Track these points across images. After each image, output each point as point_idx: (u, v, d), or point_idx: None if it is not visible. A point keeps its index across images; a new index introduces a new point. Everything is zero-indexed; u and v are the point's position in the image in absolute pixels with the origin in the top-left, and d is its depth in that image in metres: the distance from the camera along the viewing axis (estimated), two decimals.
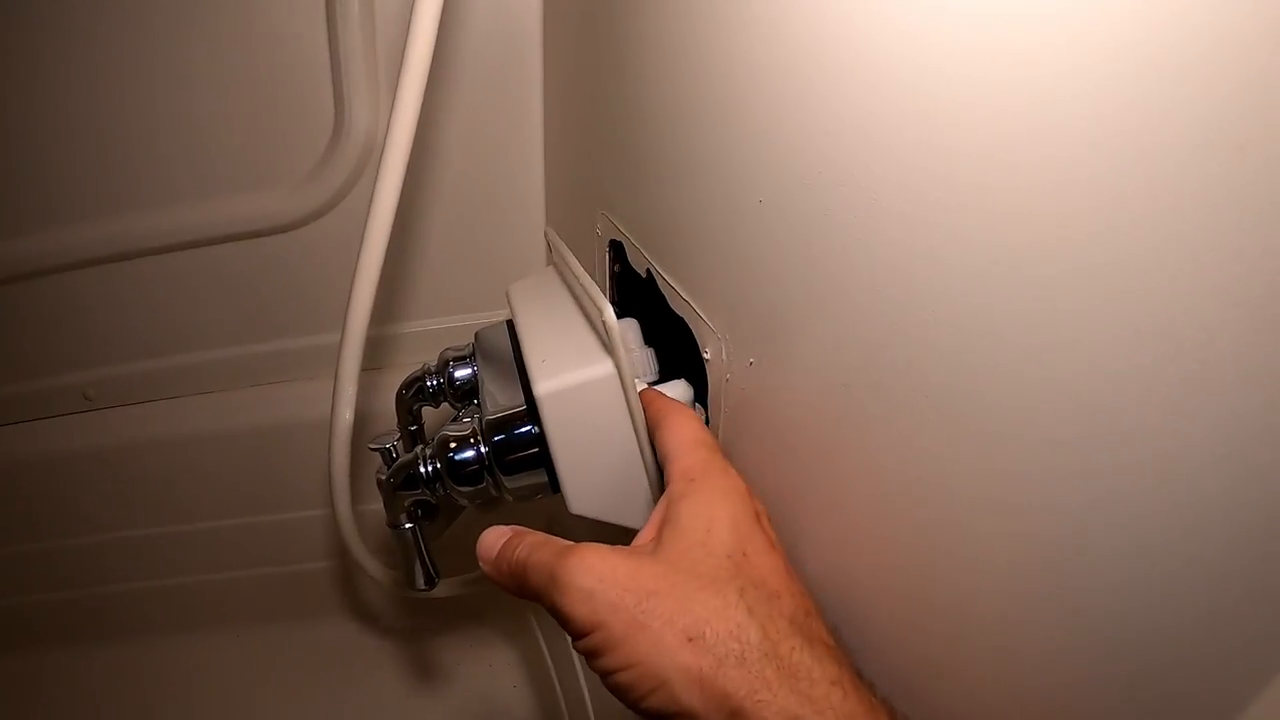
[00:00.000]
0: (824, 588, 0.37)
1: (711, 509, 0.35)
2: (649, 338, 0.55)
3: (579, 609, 0.32)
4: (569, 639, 0.33)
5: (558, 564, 0.33)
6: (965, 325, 0.25)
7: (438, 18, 0.50)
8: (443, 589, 0.71)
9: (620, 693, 0.31)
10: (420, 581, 0.56)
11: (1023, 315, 0.23)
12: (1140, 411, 0.20)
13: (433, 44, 0.50)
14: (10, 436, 0.88)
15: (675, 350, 0.51)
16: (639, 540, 0.36)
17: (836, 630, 0.34)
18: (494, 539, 0.39)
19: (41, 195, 0.76)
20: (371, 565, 0.70)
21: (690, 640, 0.30)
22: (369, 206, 0.55)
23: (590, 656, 0.32)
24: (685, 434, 0.39)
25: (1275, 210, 0.17)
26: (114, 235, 0.79)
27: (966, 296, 0.25)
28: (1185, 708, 0.22)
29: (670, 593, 0.31)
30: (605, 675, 0.31)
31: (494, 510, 0.54)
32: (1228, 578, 0.20)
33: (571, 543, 0.35)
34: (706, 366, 0.44)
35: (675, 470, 0.38)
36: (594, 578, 0.32)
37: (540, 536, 0.37)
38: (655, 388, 0.48)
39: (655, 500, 0.46)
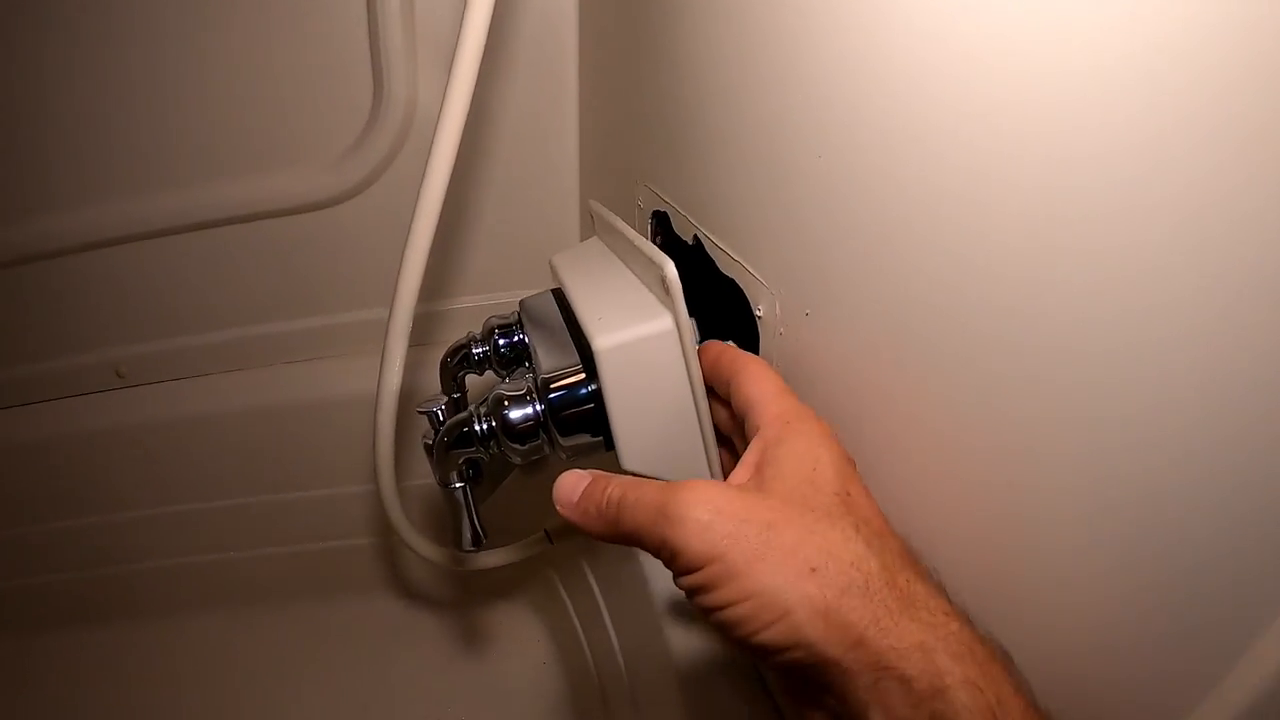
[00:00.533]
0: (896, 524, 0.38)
1: (814, 450, 0.35)
2: (689, 308, 0.56)
3: (695, 541, 0.31)
4: (673, 575, 0.33)
5: (668, 498, 0.33)
6: (1017, 271, 0.26)
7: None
8: (486, 559, 0.72)
9: (734, 627, 0.30)
10: (469, 541, 0.57)
11: (1072, 260, 0.24)
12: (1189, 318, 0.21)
13: (488, 21, 0.51)
14: (44, 414, 0.90)
15: (716, 321, 0.52)
16: (734, 481, 0.36)
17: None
18: (574, 481, 0.38)
19: (77, 172, 0.78)
20: (411, 535, 0.71)
21: (813, 570, 0.30)
22: (420, 180, 0.56)
23: (702, 591, 0.31)
24: (768, 384, 0.39)
25: None
26: (150, 212, 0.80)
27: (1021, 245, 0.26)
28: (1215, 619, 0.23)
29: (789, 525, 0.31)
30: (719, 609, 0.31)
31: (540, 472, 0.55)
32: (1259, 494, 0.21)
33: (671, 481, 0.35)
34: (759, 323, 0.46)
35: (766, 416, 0.37)
36: (710, 509, 0.32)
37: (630, 477, 0.37)
38: None
39: (709, 458, 0.47)
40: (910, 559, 0.32)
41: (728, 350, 0.43)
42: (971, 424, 0.31)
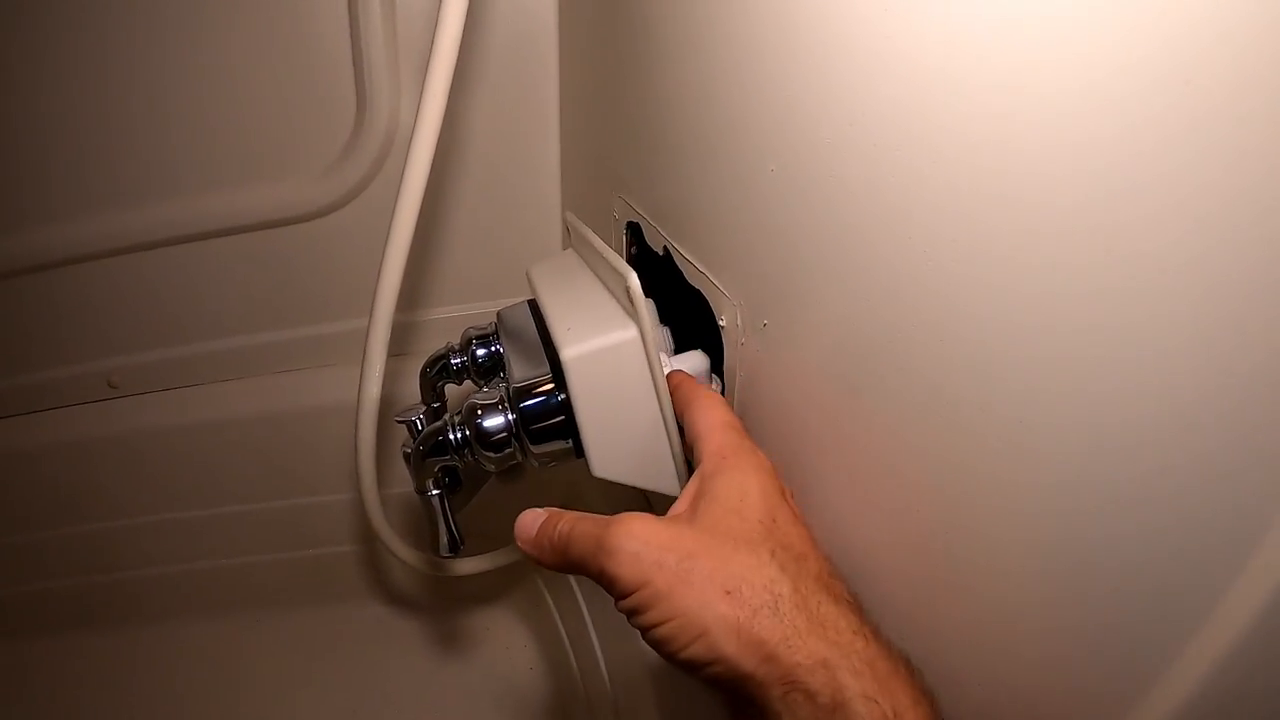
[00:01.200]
0: (832, 540, 0.39)
1: (744, 482, 0.38)
2: (663, 318, 0.58)
3: (625, 569, 0.35)
4: (612, 600, 0.36)
5: (603, 532, 0.36)
6: (967, 287, 0.27)
7: (464, 11, 0.52)
8: (466, 565, 0.73)
9: (662, 645, 0.34)
10: (445, 546, 0.58)
11: (1021, 278, 0.25)
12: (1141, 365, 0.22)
13: (459, 36, 0.53)
14: (37, 423, 0.91)
15: (689, 329, 0.53)
16: (674, 511, 0.39)
17: (854, 590, 0.36)
18: (531, 519, 0.41)
19: (69, 185, 0.79)
20: (394, 541, 0.72)
21: (728, 593, 0.33)
22: (397, 192, 0.57)
23: (634, 614, 0.35)
24: (715, 416, 0.42)
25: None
26: (138, 224, 0.81)
27: (969, 259, 0.27)
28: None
29: (709, 553, 0.34)
30: (648, 629, 0.34)
31: (516, 480, 0.56)
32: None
33: (612, 515, 0.38)
34: (722, 333, 0.47)
35: (707, 449, 0.40)
36: (639, 541, 0.35)
37: (579, 513, 0.40)
38: (676, 358, 0.50)
39: (677, 464, 0.48)
40: (827, 580, 0.35)
41: (684, 383, 0.46)
42: (910, 445, 0.32)
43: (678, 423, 0.46)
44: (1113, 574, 0.24)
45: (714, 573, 0.34)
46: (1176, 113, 0.19)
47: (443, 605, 1.01)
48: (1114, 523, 0.23)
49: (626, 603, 0.35)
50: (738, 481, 0.38)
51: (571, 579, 0.89)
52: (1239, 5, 0.18)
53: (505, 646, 0.97)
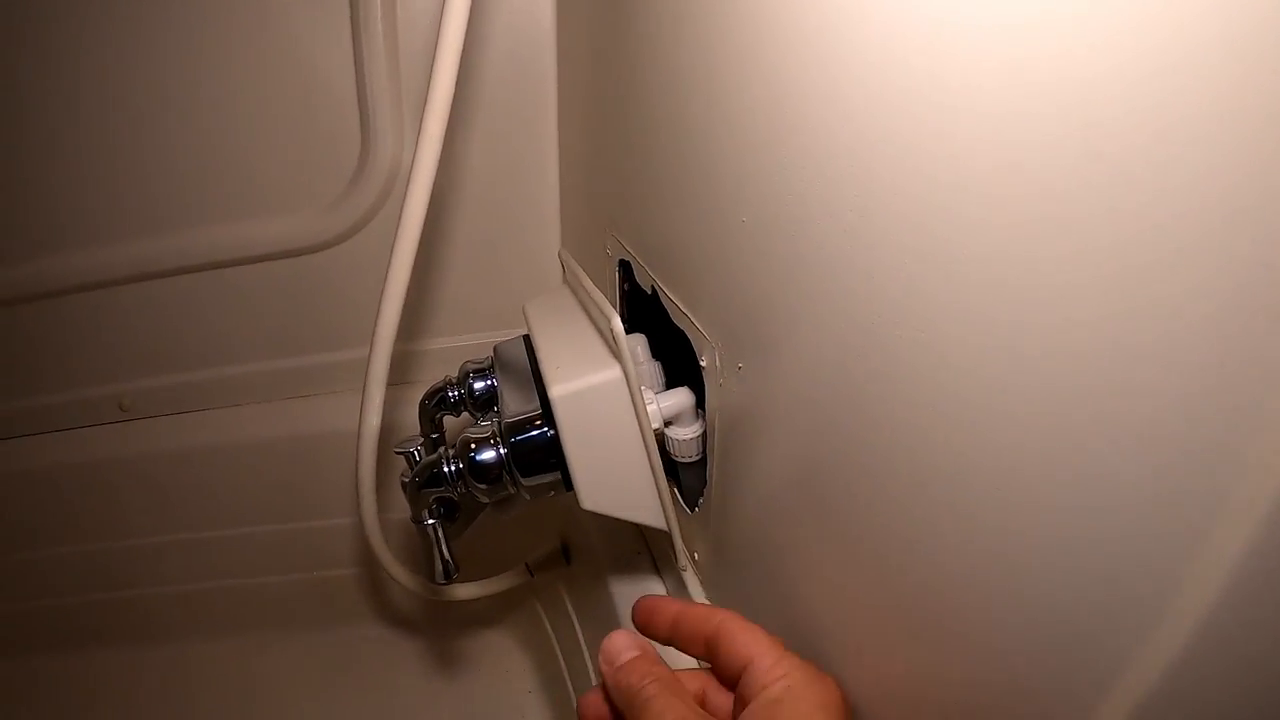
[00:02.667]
0: (799, 574, 0.41)
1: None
2: (656, 352, 0.60)
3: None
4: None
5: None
6: (936, 335, 0.28)
7: (459, 51, 0.54)
8: (463, 591, 0.75)
9: None
10: (440, 574, 0.59)
11: (990, 323, 0.26)
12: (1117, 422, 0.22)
13: (455, 76, 0.55)
14: (51, 444, 0.94)
15: (681, 364, 0.55)
16: None
17: None
18: (625, 644, 0.39)
19: (82, 215, 0.82)
20: (393, 566, 0.74)
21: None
22: (396, 228, 0.59)
23: None
24: (763, 637, 0.38)
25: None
26: (150, 254, 0.84)
27: (936, 306, 0.28)
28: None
29: None
30: None
31: (510, 510, 0.58)
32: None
33: (696, 705, 0.36)
34: (703, 373, 0.48)
35: (769, 675, 0.36)
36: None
37: (671, 677, 0.37)
38: (662, 395, 0.52)
39: (662, 497, 0.50)
40: None
41: (688, 610, 0.41)
42: (882, 493, 0.33)
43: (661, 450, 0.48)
44: (1061, 573, 0.25)
45: None
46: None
47: (443, 628, 1.03)
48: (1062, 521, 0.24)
49: None
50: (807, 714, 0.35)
51: (570, 608, 0.91)
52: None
53: (504, 669, 0.98)
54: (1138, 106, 0.20)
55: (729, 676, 0.38)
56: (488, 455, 0.51)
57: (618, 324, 0.45)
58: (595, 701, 0.40)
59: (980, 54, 0.24)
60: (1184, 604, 0.21)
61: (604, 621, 0.75)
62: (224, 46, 0.76)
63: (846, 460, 0.35)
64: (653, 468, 0.49)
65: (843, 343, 0.34)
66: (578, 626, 0.88)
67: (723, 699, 0.39)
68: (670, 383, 0.58)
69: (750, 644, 0.37)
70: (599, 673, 0.75)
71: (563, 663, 0.92)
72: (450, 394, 0.64)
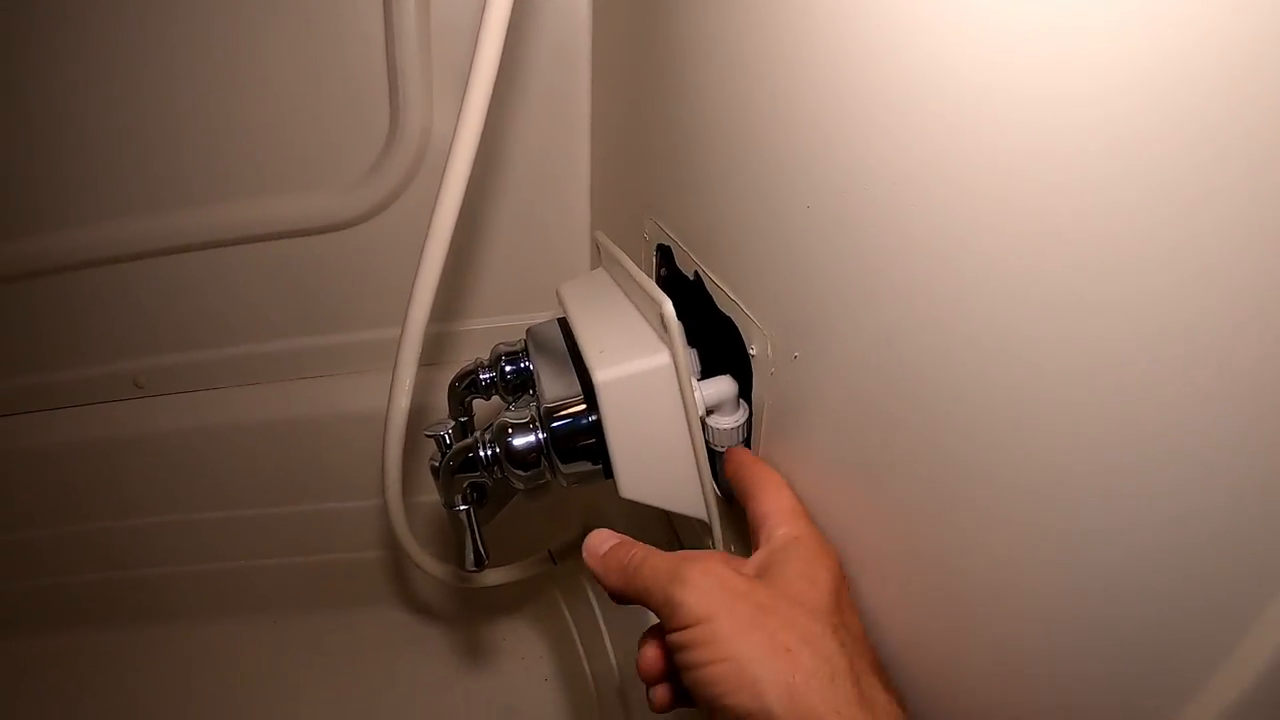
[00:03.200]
0: (862, 569, 0.40)
1: (815, 561, 0.39)
2: (691, 340, 0.58)
3: (694, 598, 0.35)
4: (667, 633, 0.37)
5: (679, 564, 0.37)
6: (1002, 325, 0.28)
7: (504, 29, 0.53)
8: (489, 577, 0.74)
9: (706, 686, 0.34)
10: (471, 561, 0.58)
11: (1055, 314, 0.25)
12: (1161, 411, 0.23)
13: (499, 54, 0.53)
14: (63, 420, 0.93)
15: (716, 351, 0.53)
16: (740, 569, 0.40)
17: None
18: (601, 540, 0.43)
19: (102, 188, 0.81)
20: (417, 552, 0.73)
21: (788, 651, 0.33)
22: (433, 205, 0.58)
23: (687, 647, 0.35)
24: (785, 502, 0.43)
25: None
26: (171, 229, 0.83)
27: (1003, 296, 0.27)
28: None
29: (777, 610, 0.35)
30: (696, 667, 0.34)
31: (541, 497, 0.57)
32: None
33: (687, 552, 0.39)
34: (752, 362, 0.47)
35: (779, 532, 0.41)
36: (715, 580, 0.36)
37: (652, 547, 0.41)
38: (705, 382, 0.51)
39: (705, 488, 0.49)
40: (877, 668, 0.35)
41: (752, 464, 0.46)
42: (943, 484, 0.32)
43: (737, 495, 0.47)
44: (1122, 628, 0.24)
45: (779, 629, 0.34)
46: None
47: (462, 614, 1.02)
48: (1127, 575, 0.24)
49: (684, 635, 0.35)
50: (809, 560, 0.39)
51: (588, 589, 0.90)
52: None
53: (522, 657, 0.97)
54: None
55: (752, 527, 0.43)
56: (526, 440, 0.50)
57: (669, 308, 0.43)
58: (651, 655, 0.42)
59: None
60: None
61: (628, 611, 0.74)
62: (246, 14, 0.74)
63: (906, 452, 0.34)
64: (697, 457, 0.48)
65: (904, 331, 0.32)
66: (599, 615, 0.87)
67: None
68: (704, 370, 0.56)
69: (769, 501, 0.43)
70: (618, 662, 0.75)
71: (582, 651, 0.91)
72: (482, 377, 0.63)
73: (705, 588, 0.35)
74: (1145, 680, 0.25)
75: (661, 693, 0.42)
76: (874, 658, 0.36)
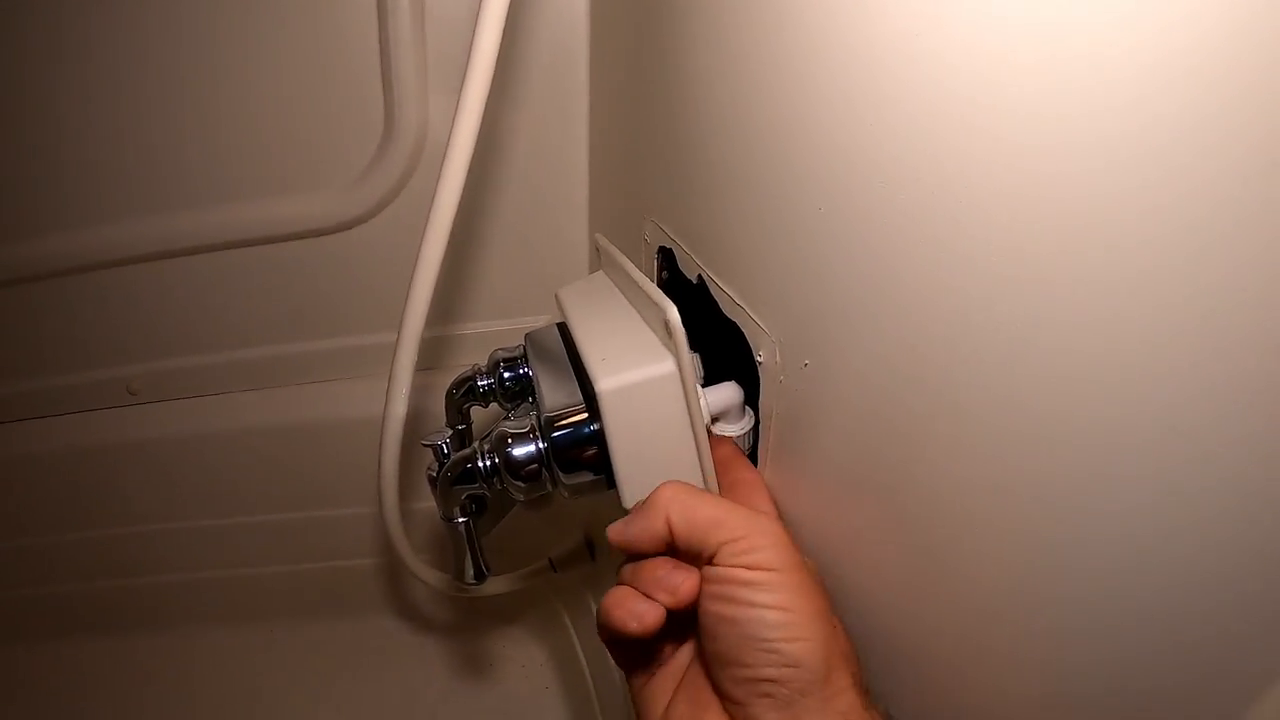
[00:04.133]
0: (849, 574, 0.38)
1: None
2: (693, 344, 0.57)
3: (774, 546, 0.37)
4: (727, 565, 0.37)
5: (756, 514, 0.39)
6: (1019, 333, 0.26)
7: (502, 24, 0.51)
8: (488, 587, 0.72)
9: (759, 625, 0.35)
10: (470, 575, 0.57)
11: (1074, 321, 0.24)
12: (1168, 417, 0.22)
13: (496, 50, 0.52)
14: (57, 427, 0.91)
15: (719, 357, 0.52)
16: None
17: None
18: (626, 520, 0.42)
19: (92, 192, 0.79)
20: (415, 562, 0.71)
21: (835, 628, 0.36)
22: (430, 206, 0.56)
23: (756, 585, 0.36)
24: (763, 506, 0.44)
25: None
26: (163, 232, 0.81)
27: (1021, 303, 0.26)
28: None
29: (822, 592, 0.37)
30: (759, 606, 0.35)
31: (544, 507, 0.55)
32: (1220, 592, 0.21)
33: None
34: (760, 369, 0.46)
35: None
36: (785, 540, 0.38)
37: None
38: (709, 389, 0.49)
39: None
40: (852, 659, 0.37)
41: (733, 459, 0.47)
42: (958, 492, 0.31)
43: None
44: (1139, 676, 0.23)
45: (826, 607, 0.36)
46: None
47: (461, 622, 1.00)
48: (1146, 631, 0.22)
49: (757, 574, 0.36)
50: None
51: (592, 604, 0.89)
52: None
53: (522, 665, 0.96)
54: None
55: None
56: (526, 450, 0.48)
57: (674, 314, 0.42)
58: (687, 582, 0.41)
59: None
60: None
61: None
62: (241, 15, 0.73)
63: (926, 466, 0.33)
64: (702, 467, 0.46)
65: (925, 337, 0.31)
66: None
67: None
68: (707, 373, 0.55)
69: (750, 501, 0.44)
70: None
71: (584, 660, 0.90)
72: (479, 383, 0.61)
73: (781, 541, 0.37)
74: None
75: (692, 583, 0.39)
76: (849, 648, 0.37)
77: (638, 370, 0.44)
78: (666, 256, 0.60)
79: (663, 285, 0.62)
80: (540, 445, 0.48)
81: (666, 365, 0.44)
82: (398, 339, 0.60)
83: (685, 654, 0.42)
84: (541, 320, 0.61)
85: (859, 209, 0.34)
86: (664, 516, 0.39)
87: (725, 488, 0.46)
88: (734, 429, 0.50)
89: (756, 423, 0.49)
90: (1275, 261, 0.19)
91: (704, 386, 0.51)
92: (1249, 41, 0.18)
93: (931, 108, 0.29)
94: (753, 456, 0.50)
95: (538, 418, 0.49)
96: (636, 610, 0.39)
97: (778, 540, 0.37)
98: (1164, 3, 0.20)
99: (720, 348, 0.52)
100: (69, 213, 0.80)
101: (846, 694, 0.34)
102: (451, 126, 0.54)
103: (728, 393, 0.50)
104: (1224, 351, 0.20)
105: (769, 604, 0.35)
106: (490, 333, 0.89)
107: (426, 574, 0.72)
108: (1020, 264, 0.26)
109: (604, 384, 0.44)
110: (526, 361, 0.59)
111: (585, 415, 0.47)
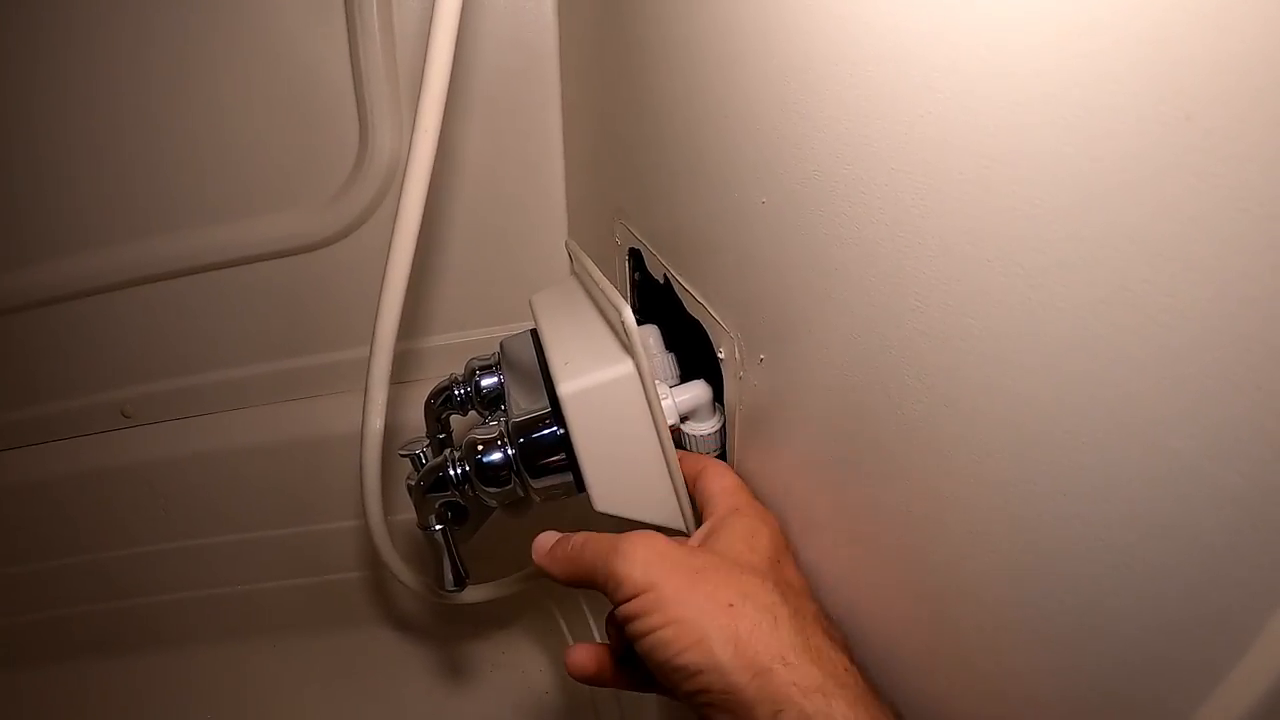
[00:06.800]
0: (824, 569, 0.39)
1: (755, 527, 0.41)
2: (670, 343, 0.57)
3: (636, 570, 0.36)
4: (614, 605, 0.37)
5: (619, 541, 0.38)
6: (960, 321, 0.26)
7: (454, 35, 0.51)
8: (474, 594, 0.73)
9: (657, 650, 0.34)
10: (450, 582, 0.57)
11: (1017, 309, 0.24)
12: (1134, 411, 0.21)
13: (450, 61, 0.52)
14: (52, 453, 0.91)
15: (696, 354, 0.52)
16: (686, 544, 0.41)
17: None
18: (547, 538, 0.44)
19: (74, 220, 0.80)
20: (402, 570, 0.71)
21: (730, 606, 0.34)
22: (394, 221, 0.57)
23: (634, 618, 0.36)
24: (727, 482, 0.45)
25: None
26: (147, 257, 0.82)
27: (961, 291, 0.26)
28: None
29: (716, 571, 0.36)
30: (645, 634, 0.35)
31: (523, 513, 0.56)
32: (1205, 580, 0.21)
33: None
34: (721, 365, 0.46)
35: (720, 506, 0.43)
36: (653, 552, 0.37)
37: (592, 533, 0.42)
38: (678, 389, 0.50)
39: (679, 496, 0.47)
40: (823, 622, 0.36)
41: (690, 455, 0.50)
42: (906, 482, 0.31)
43: (689, 491, 0.47)
44: (1116, 642, 0.23)
45: (719, 587, 0.35)
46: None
47: (457, 631, 1.01)
48: (1119, 590, 0.22)
49: (630, 606, 0.36)
50: (750, 525, 0.41)
51: (585, 607, 0.89)
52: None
53: (521, 671, 0.96)
54: None
55: (700, 510, 0.45)
56: (495, 457, 0.49)
57: (629, 316, 0.42)
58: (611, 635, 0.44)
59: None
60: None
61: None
62: (215, 41, 0.74)
63: (877, 452, 0.33)
64: (669, 466, 0.46)
65: (871, 329, 0.31)
66: (593, 625, 0.86)
67: None
68: (685, 375, 0.55)
69: (713, 484, 0.45)
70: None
71: None
72: (456, 392, 0.62)
73: (644, 558, 0.37)
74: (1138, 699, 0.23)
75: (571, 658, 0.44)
76: (818, 609, 0.37)
77: (597, 373, 0.44)
78: (636, 258, 0.61)
79: (636, 287, 0.63)
80: (509, 451, 0.49)
81: (625, 366, 0.44)
82: (371, 352, 0.60)
83: None
84: (522, 327, 0.61)
85: (799, 201, 0.34)
86: (550, 572, 0.43)
87: (692, 480, 0.47)
88: (704, 428, 0.50)
89: (723, 421, 0.49)
90: (1275, 262, 0.18)
91: (678, 386, 0.51)
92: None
93: (871, 100, 0.29)
94: (725, 453, 0.50)
95: (506, 424, 0.49)
96: (568, 661, 0.44)
97: (637, 557, 0.37)
98: None
99: (693, 347, 0.52)
100: (52, 242, 0.81)
101: (826, 656, 0.33)
102: (411, 137, 0.54)
103: (696, 391, 0.50)
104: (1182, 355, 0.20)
105: (652, 627, 0.35)
106: (471, 342, 0.89)
107: (413, 581, 0.72)
108: (961, 251, 0.26)
109: (565, 388, 0.44)
110: (501, 368, 0.60)
111: (551, 419, 0.47)
